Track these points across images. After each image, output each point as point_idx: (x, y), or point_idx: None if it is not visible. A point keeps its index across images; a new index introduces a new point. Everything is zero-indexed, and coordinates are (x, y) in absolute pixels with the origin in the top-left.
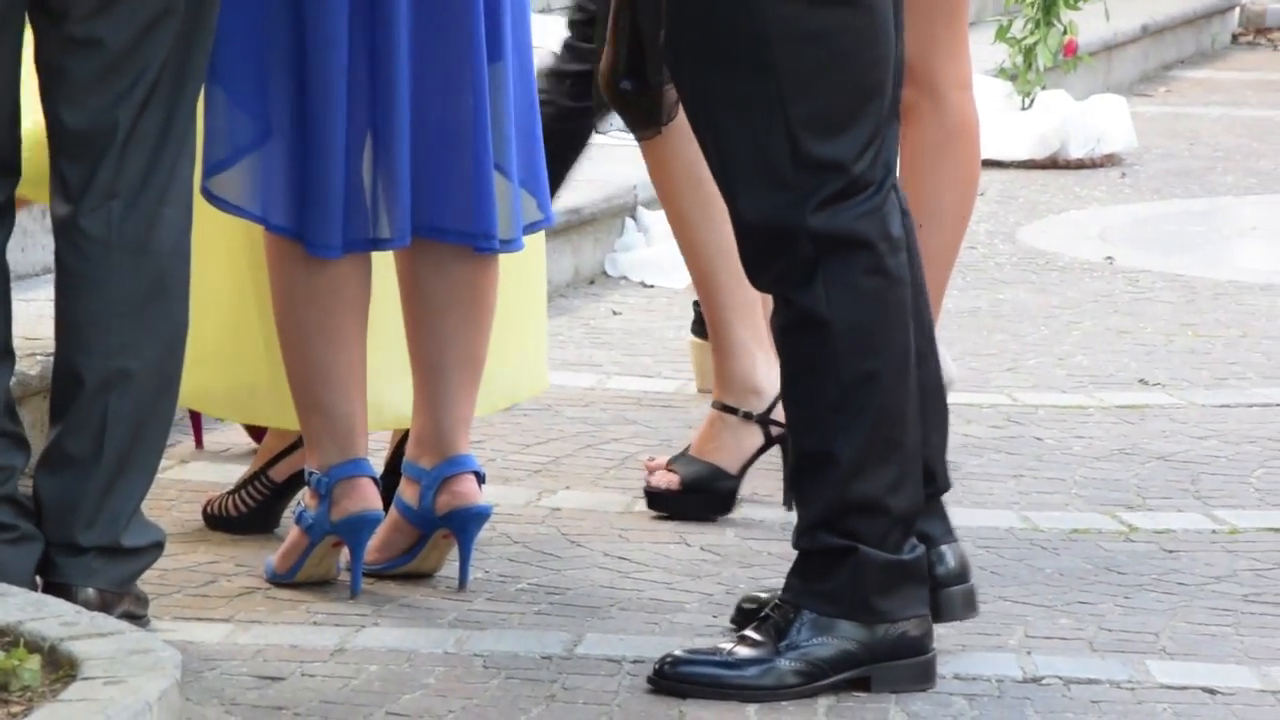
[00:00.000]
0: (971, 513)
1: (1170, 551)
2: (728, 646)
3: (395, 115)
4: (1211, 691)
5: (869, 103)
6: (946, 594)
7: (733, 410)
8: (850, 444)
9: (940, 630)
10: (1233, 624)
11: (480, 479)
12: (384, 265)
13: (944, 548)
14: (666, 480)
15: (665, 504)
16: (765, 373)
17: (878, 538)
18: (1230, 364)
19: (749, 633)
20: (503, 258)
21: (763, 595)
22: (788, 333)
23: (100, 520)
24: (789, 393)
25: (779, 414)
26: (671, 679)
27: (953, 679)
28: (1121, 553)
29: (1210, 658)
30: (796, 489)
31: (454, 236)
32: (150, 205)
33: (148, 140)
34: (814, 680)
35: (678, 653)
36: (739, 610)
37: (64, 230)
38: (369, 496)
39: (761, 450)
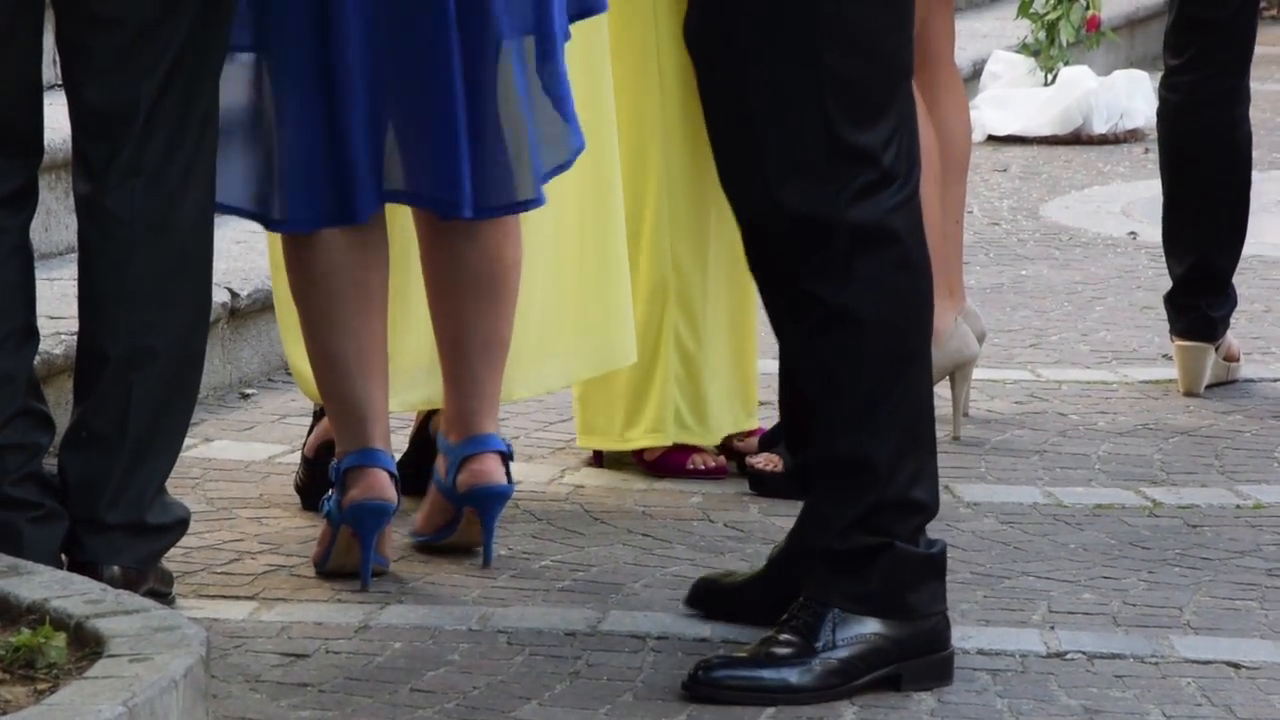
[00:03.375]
0: (995, 488)
1: (1194, 526)
2: (760, 649)
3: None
4: (1236, 666)
5: (898, 89)
6: None
7: None
8: (885, 444)
9: (964, 606)
10: (1257, 598)
11: (506, 458)
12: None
13: None
14: (769, 461)
15: (769, 486)
16: None
17: (908, 533)
18: (1254, 339)
19: (780, 634)
20: (584, 233)
21: (717, 576)
22: (817, 332)
23: (125, 498)
24: (818, 391)
25: None
26: (707, 685)
27: (976, 654)
28: (1145, 528)
29: (1234, 632)
30: (825, 488)
31: (422, 201)
32: (173, 183)
33: (170, 118)
34: (851, 680)
35: (711, 659)
36: (694, 591)
37: (87, 209)
38: (376, 486)
39: None
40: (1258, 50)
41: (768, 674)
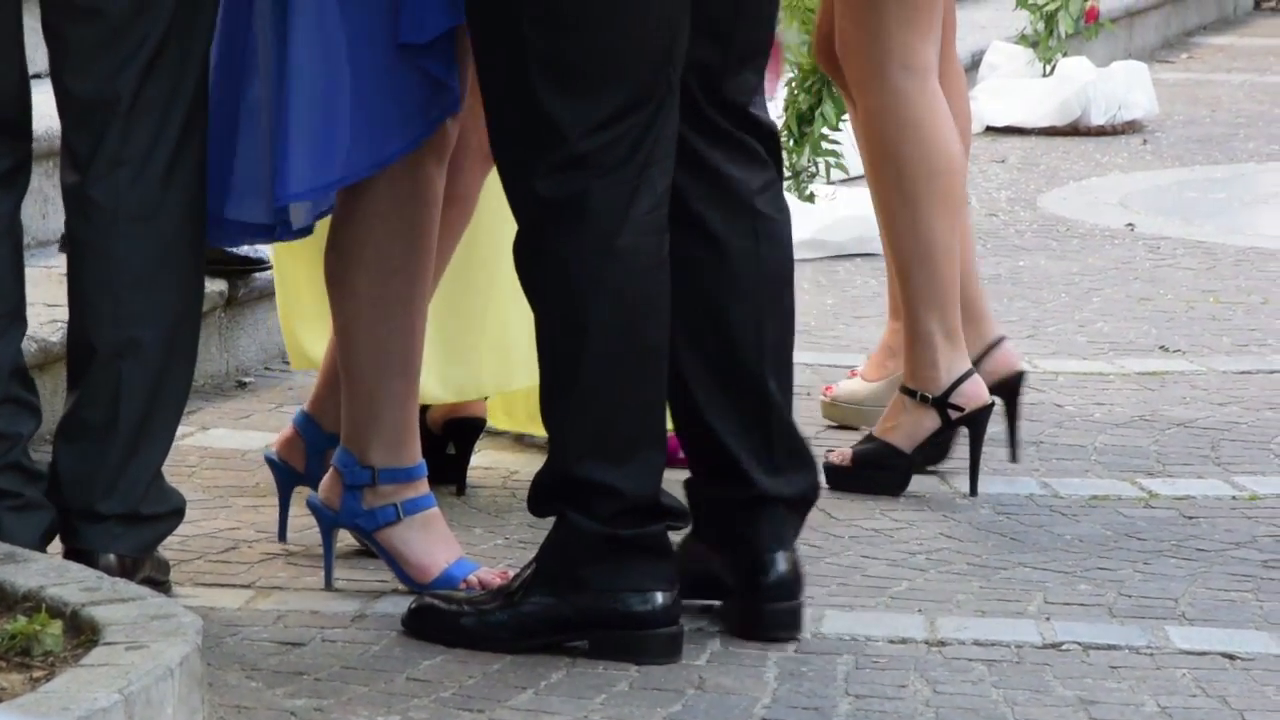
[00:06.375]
0: (991, 479)
1: (1190, 518)
2: (486, 594)
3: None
4: (1230, 657)
5: (619, 79)
6: (769, 610)
7: (912, 393)
8: (565, 420)
9: (960, 596)
10: (1252, 590)
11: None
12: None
13: (777, 555)
14: (840, 456)
15: (838, 479)
16: (945, 361)
17: (604, 513)
18: (1251, 330)
19: (507, 585)
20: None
21: None
22: (529, 299)
23: (119, 488)
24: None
25: (957, 398)
26: (410, 617)
27: (972, 645)
28: (1141, 519)
29: (1229, 623)
30: (553, 453)
31: None
32: (158, 173)
33: (154, 108)
34: (524, 636)
35: (431, 597)
36: None
37: (73, 199)
38: (281, 441)
39: (939, 432)
40: (1257, 42)
41: (449, 619)
